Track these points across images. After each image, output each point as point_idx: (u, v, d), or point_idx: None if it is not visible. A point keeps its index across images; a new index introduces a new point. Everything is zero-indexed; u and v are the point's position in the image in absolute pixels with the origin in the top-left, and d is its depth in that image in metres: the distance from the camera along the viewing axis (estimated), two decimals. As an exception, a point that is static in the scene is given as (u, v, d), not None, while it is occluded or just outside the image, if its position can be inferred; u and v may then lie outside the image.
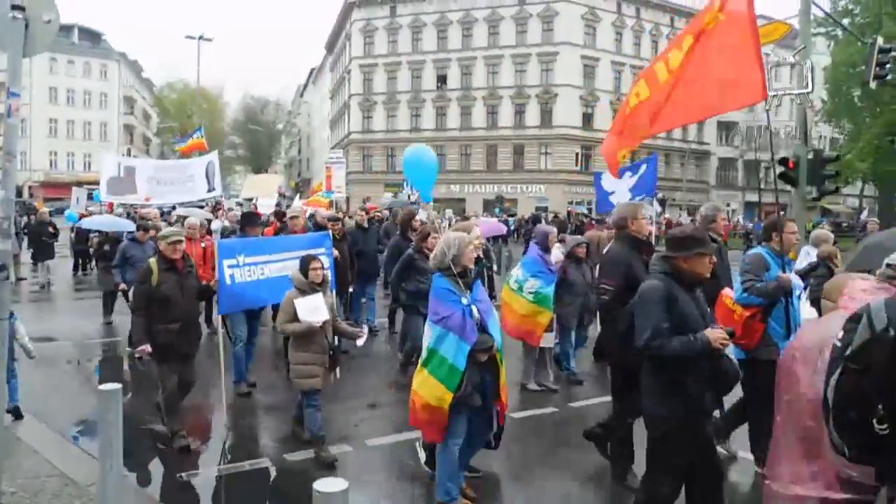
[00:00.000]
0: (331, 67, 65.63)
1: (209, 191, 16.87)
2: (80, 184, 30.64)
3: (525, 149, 48.71)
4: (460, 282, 4.28)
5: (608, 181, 11.91)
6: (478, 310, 4.26)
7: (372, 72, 52.01)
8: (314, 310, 5.26)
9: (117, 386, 3.55)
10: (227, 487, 4.97)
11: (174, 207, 18.47)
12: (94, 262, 17.03)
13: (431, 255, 4.53)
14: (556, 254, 7.54)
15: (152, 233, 9.28)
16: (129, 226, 12.10)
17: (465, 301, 4.22)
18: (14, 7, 3.86)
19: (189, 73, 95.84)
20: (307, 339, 5.30)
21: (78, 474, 4.65)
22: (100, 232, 13.03)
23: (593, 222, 19.60)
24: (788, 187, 12.90)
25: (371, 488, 4.91)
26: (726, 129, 55.68)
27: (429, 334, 4.29)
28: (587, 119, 48.70)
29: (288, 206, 17.66)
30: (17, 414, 5.77)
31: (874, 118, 31.99)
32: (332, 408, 6.35)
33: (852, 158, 32.88)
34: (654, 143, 51.59)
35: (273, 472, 5.18)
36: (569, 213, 17.93)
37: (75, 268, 17.71)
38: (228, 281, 5.94)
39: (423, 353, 4.31)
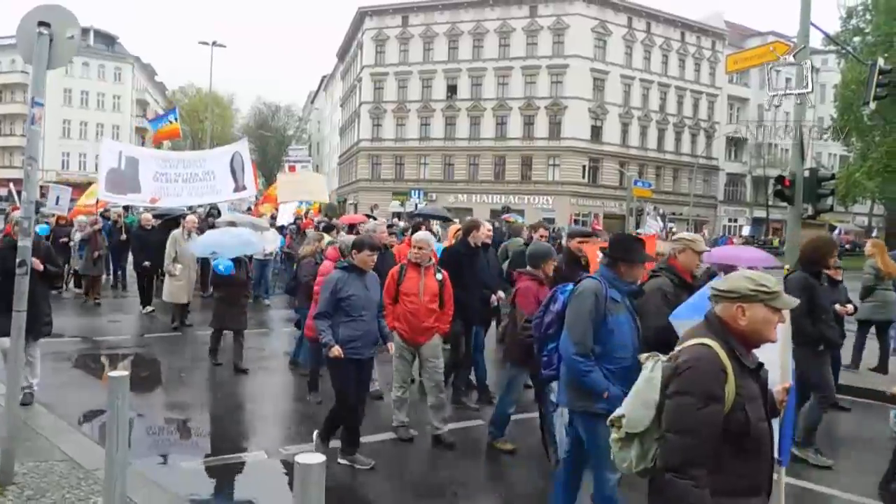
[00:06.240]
0: (342, 75, 66.21)
1: (237, 189, 13.61)
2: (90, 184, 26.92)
3: (533, 160, 49.01)
4: None
5: None
6: None
7: (382, 80, 52.50)
8: None
9: (125, 373, 3.82)
10: (227, 476, 5.24)
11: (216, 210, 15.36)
12: (72, 278, 13.78)
13: None
14: None
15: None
16: (257, 246, 9.87)
17: None
18: (40, 24, 4.19)
19: (201, 79, 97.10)
20: None
21: (84, 460, 4.93)
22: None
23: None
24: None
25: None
26: (735, 144, 55.83)
27: None
28: (596, 132, 48.98)
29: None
30: None
31: (883, 137, 32.12)
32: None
33: (861, 177, 33.05)
34: (663, 157, 52.00)
35: (270, 464, 5.44)
36: (506, 220, 15.00)
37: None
38: None
39: None
